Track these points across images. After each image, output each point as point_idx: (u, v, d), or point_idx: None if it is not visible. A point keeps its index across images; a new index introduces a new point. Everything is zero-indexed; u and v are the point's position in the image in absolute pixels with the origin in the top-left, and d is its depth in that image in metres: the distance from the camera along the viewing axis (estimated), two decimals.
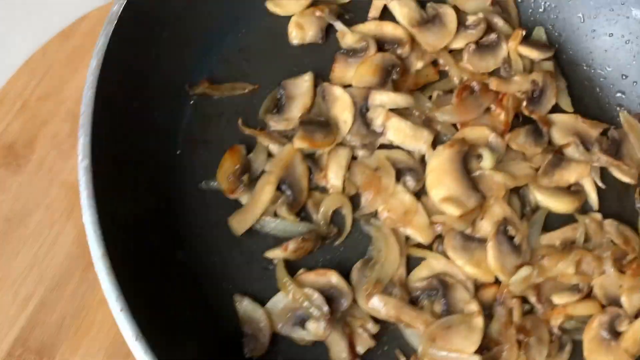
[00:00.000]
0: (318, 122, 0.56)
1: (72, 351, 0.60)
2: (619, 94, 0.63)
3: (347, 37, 0.60)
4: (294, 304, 0.51)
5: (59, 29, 0.77)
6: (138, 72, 0.53)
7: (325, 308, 0.50)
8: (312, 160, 0.56)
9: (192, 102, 0.58)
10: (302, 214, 0.55)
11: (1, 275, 0.63)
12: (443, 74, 0.61)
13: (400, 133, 0.56)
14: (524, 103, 0.59)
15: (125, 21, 0.50)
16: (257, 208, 0.53)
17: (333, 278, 0.52)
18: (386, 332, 0.52)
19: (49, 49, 0.77)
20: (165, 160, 0.56)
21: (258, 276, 0.53)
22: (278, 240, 0.54)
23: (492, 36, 0.61)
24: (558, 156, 0.57)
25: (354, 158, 0.57)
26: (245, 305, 0.51)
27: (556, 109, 0.61)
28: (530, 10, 0.65)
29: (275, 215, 0.54)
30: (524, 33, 0.61)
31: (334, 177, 0.55)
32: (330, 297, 0.51)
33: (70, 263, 0.65)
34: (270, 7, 0.62)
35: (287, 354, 0.51)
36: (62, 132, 0.74)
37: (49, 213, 0.68)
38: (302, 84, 0.58)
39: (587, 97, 0.62)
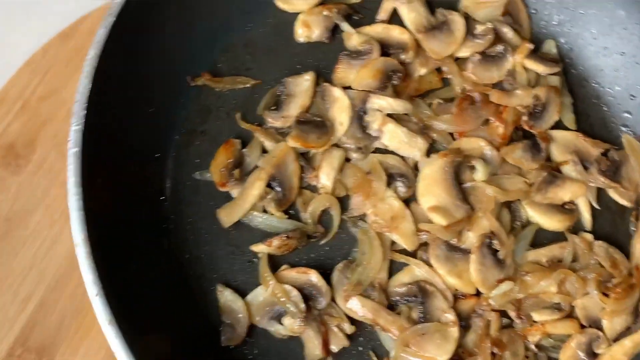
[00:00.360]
0: (314, 122, 0.57)
1: (72, 351, 0.62)
2: (625, 114, 0.63)
3: (353, 38, 0.61)
4: (273, 298, 0.53)
5: (60, 29, 0.78)
6: (137, 62, 0.55)
7: (302, 306, 0.52)
8: (306, 159, 0.58)
9: (192, 93, 0.60)
10: (290, 211, 0.58)
11: (1, 275, 0.65)
12: (445, 82, 0.63)
13: (396, 139, 0.57)
14: (525, 117, 0.60)
15: (127, 13, 0.52)
16: (246, 202, 0.55)
17: (313, 277, 0.54)
18: (362, 333, 0.54)
19: (50, 49, 0.78)
20: (160, 149, 0.58)
21: (241, 268, 0.56)
22: (265, 235, 0.56)
23: (499, 47, 0.62)
24: (554, 173, 0.59)
25: (347, 160, 0.58)
26: (226, 296, 0.54)
27: (559, 124, 0.62)
28: (543, 23, 0.66)
29: (264, 210, 0.56)
30: (531, 47, 0.62)
31: (325, 177, 0.57)
32: (309, 295, 0.54)
33: (69, 263, 0.67)
34: (279, 3, 0.63)
35: (263, 346, 0.54)
36: (62, 132, 0.75)
37: (49, 213, 0.69)
38: (303, 83, 0.59)
39: (593, 115, 0.63)
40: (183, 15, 0.59)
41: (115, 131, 0.53)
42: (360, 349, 0.54)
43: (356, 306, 0.53)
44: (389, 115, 0.58)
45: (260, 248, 0.55)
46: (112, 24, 0.52)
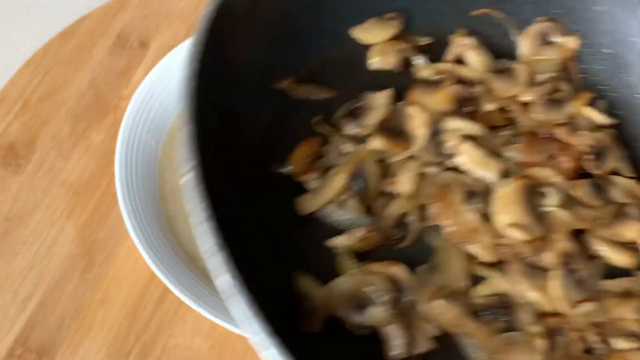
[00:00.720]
0: (394, 131, 0.59)
1: (72, 351, 0.62)
2: None
3: (425, 70, 0.65)
4: (356, 288, 0.51)
5: (60, 28, 0.79)
6: (229, 57, 0.55)
7: (390, 295, 0.51)
8: (383, 167, 0.59)
9: (272, 96, 0.61)
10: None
11: (1, 275, 0.65)
12: (510, 121, 0.65)
13: (472, 159, 0.59)
14: (588, 157, 0.63)
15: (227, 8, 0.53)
16: (327, 193, 0.55)
17: (399, 271, 0.52)
18: (444, 338, 0.53)
19: (50, 49, 0.79)
20: (237, 141, 0.56)
21: (314, 262, 0.53)
22: (340, 232, 0.55)
23: (560, 94, 0.65)
24: (619, 209, 0.60)
25: (422, 174, 0.59)
26: (305, 283, 0.52)
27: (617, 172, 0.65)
28: (592, 84, 0.69)
29: (341, 207, 0.56)
30: (592, 95, 0.65)
31: (402, 184, 0.57)
32: (394, 289, 0.52)
33: (70, 263, 0.68)
34: (356, 34, 0.66)
35: (338, 341, 0.51)
36: (63, 132, 0.76)
37: (49, 213, 0.70)
38: (382, 98, 0.61)
39: None
40: (280, 22, 0.60)
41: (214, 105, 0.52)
42: (443, 354, 0.52)
43: (441, 309, 0.52)
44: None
45: (340, 240, 0.54)
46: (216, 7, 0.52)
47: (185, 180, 0.44)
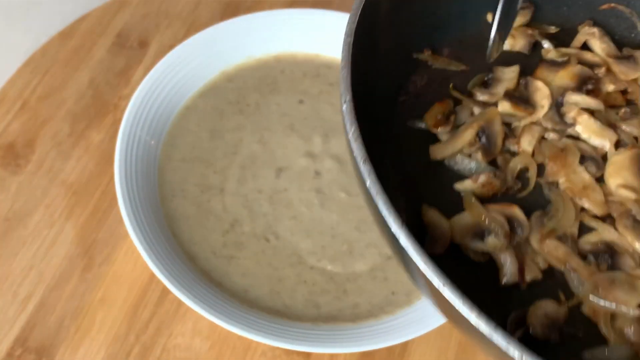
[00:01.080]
0: (521, 98, 0.67)
1: (71, 351, 0.62)
2: None
3: (551, 53, 0.72)
4: (477, 221, 0.58)
5: (59, 28, 0.79)
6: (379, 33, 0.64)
7: (507, 227, 0.57)
8: (508, 129, 0.66)
9: (412, 65, 0.68)
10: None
11: (1, 275, 0.66)
12: (630, 102, 0.70)
13: (589, 128, 0.65)
14: None
15: None
16: (457, 143, 0.63)
17: (516, 211, 0.59)
18: (552, 272, 0.58)
19: (49, 49, 0.79)
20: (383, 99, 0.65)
21: (441, 203, 0.60)
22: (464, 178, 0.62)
23: None
24: None
25: (543, 138, 0.66)
26: (431, 213, 0.59)
27: None
28: None
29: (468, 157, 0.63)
30: None
31: (525, 144, 0.64)
32: (510, 226, 0.59)
33: (69, 263, 0.68)
34: (490, 19, 0.72)
35: (458, 265, 0.57)
36: (62, 132, 0.77)
37: (49, 213, 0.70)
38: (510, 72, 0.68)
39: None
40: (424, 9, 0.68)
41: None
42: (550, 286, 0.57)
43: (552, 246, 0.57)
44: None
45: (465, 185, 0.60)
46: None
47: (344, 108, 0.52)
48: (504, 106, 0.66)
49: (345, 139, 0.53)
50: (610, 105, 0.69)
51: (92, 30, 0.80)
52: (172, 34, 0.82)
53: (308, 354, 0.65)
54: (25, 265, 0.65)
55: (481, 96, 0.68)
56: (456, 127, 0.66)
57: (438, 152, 0.64)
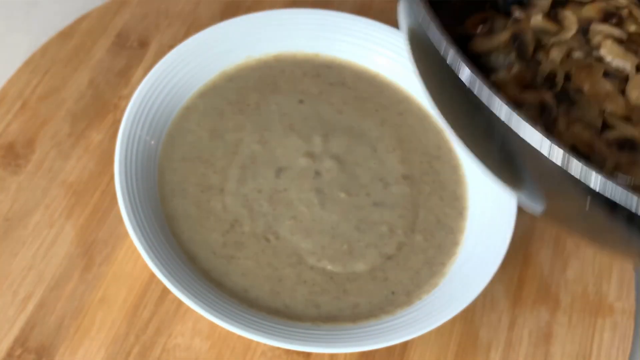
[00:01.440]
0: (553, 20, 0.73)
1: (71, 351, 0.62)
2: None
3: None
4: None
5: (59, 28, 0.79)
6: None
7: (538, 107, 0.63)
8: (540, 44, 0.70)
9: None
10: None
11: (0, 275, 0.66)
12: None
13: (612, 52, 0.70)
14: None
15: None
16: (495, 40, 0.68)
17: (548, 97, 0.63)
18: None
19: (49, 49, 0.80)
20: None
21: None
22: None
23: None
24: None
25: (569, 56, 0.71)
26: None
27: None
28: None
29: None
30: None
31: (554, 54, 0.68)
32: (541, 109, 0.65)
33: (69, 263, 0.68)
34: None
35: None
36: (62, 132, 0.77)
37: (49, 213, 0.70)
38: (543, 2, 0.73)
39: None
40: None
41: None
42: None
43: (578, 130, 0.62)
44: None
45: (500, 75, 0.64)
46: None
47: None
48: (537, 19, 0.71)
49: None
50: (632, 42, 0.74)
51: (92, 30, 0.80)
52: (172, 34, 0.82)
53: (308, 354, 0.65)
54: (25, 265, 0.65)
55: (516, 14, 0.73)
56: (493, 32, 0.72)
57: (479, 44, 0.70)
